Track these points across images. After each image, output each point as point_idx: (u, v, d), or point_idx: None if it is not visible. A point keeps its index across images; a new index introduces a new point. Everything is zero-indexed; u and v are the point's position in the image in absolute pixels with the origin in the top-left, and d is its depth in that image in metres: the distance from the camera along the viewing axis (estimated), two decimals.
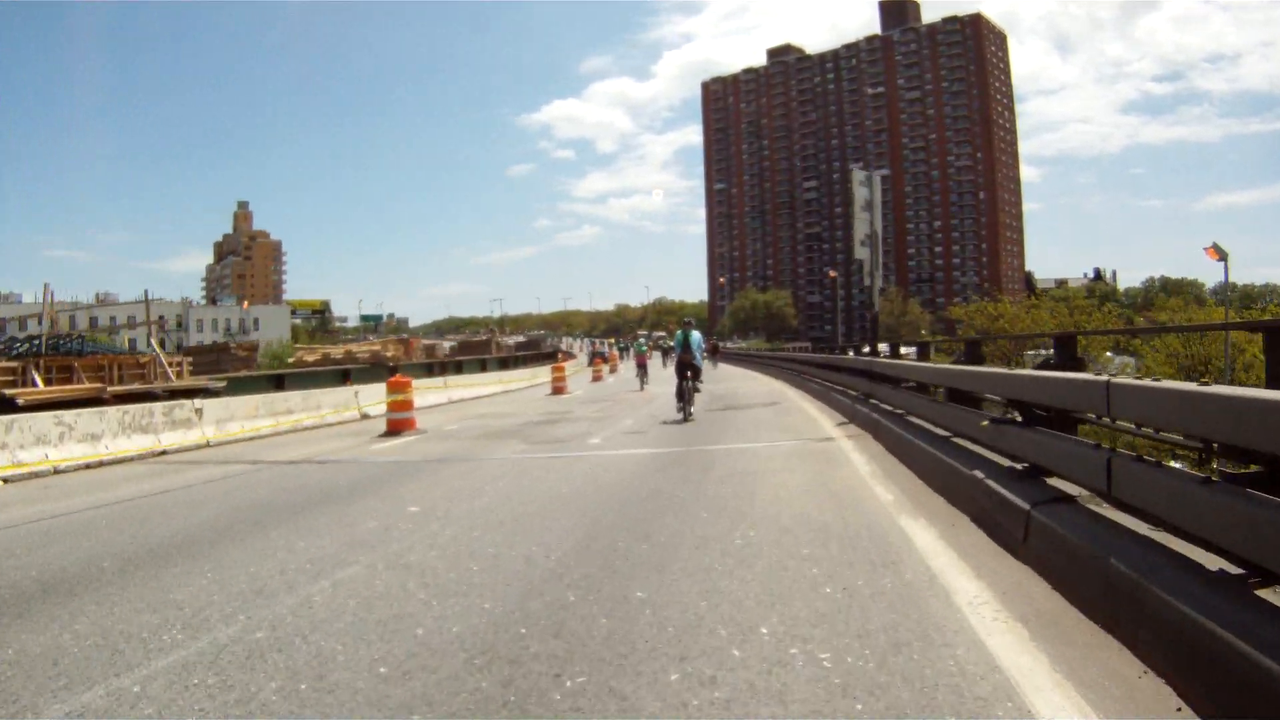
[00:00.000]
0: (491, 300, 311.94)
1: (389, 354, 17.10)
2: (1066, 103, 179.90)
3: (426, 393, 17.84)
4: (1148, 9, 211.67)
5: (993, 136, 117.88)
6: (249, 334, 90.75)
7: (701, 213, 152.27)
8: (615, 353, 56.59)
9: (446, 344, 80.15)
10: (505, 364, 33.18)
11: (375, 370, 25.18)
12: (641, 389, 22.10)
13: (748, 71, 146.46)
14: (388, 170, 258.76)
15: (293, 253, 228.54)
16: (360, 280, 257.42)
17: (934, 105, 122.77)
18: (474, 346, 49.73)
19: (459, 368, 27.87)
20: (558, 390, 23.12)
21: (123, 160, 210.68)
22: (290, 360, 26.22)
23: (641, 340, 48.86)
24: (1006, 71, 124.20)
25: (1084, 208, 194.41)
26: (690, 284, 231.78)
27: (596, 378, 31.23)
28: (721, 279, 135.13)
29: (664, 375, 26.61)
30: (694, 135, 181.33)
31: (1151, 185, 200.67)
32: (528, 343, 72.34)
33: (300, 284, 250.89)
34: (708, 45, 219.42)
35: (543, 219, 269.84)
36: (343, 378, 18.99)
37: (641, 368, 24.75)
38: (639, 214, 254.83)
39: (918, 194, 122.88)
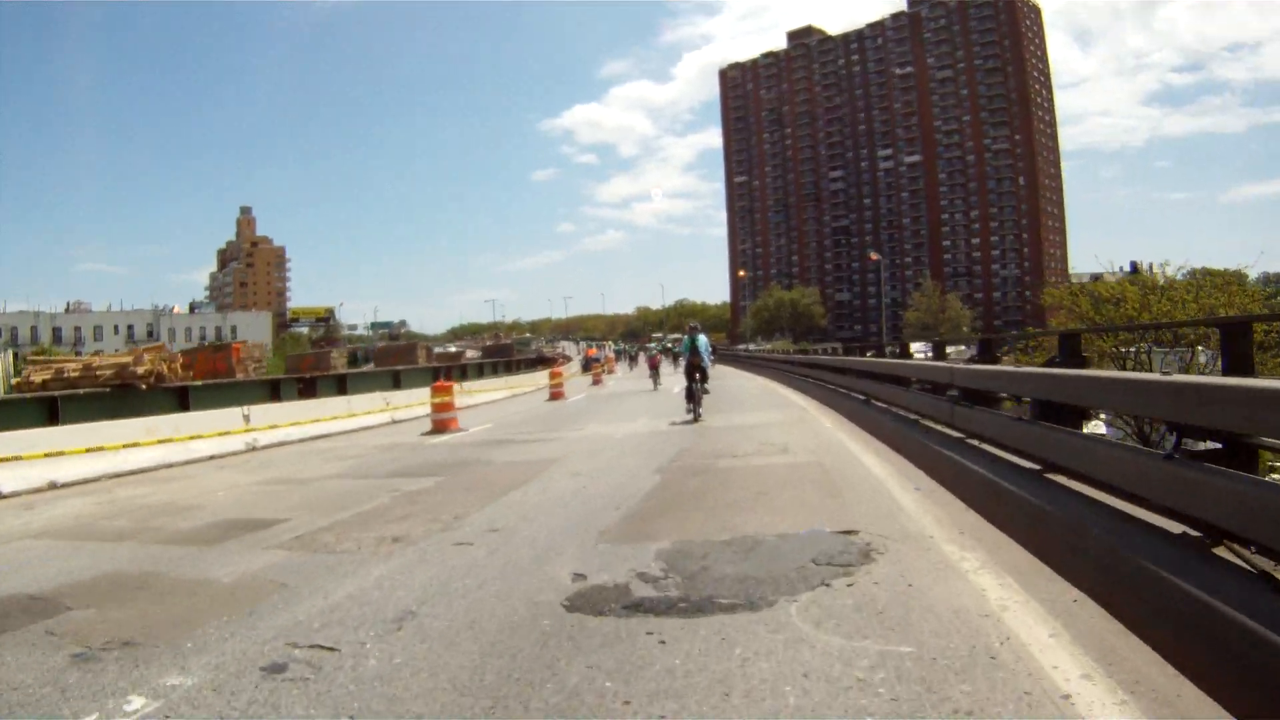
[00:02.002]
0: (496, 305, 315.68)
1: (142, 368, 12.76)
2: (1088, 96, 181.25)
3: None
4: None
5: (1031, 117, 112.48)
6: (225, 341, 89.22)
7: (725, 215, 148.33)
8: (611, 356, 57.39)
9: (452, 348, 76.93)
10: (439, 375, 24.59)
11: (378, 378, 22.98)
12: (655, 389, 24.80)
13: (767, 56, 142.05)
14: (407, 178, 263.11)
15: (309, 262, 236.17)
16: (380, 289, 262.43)
17: (967, 85, 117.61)
18: (396, 354, 40.77)
19: (341, 384, 20.19)
20: (555, 396, 23.67)
21: (152, 173, 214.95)
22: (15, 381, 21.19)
23: (652, 345, 51.31)
24: (1043, 47, 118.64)
25: (1108, 202, 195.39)
26: (715, 287, 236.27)
27: (596, 381, 31.16)
28: (742, 271, 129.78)
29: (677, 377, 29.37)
30: (715, 138, 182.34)
31: (1176, 178, 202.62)
32: (496, 348, 65.43)
33: (315, 293, 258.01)
34: (727, 45, 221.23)
35: (566, 224, 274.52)
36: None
37: (654, 369, 28.46)
38: (663, 217, 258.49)
39: (952, 181, 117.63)
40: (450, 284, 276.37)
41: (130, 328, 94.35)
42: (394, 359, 37.05)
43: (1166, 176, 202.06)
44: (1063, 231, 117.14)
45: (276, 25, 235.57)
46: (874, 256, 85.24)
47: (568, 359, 51.31)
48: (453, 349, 75.19)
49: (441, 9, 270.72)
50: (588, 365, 43.31)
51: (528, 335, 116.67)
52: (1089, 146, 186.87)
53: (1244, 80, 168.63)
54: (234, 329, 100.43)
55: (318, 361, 34.17)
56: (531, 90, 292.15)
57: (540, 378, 31.40)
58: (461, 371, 31.09)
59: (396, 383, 22.74)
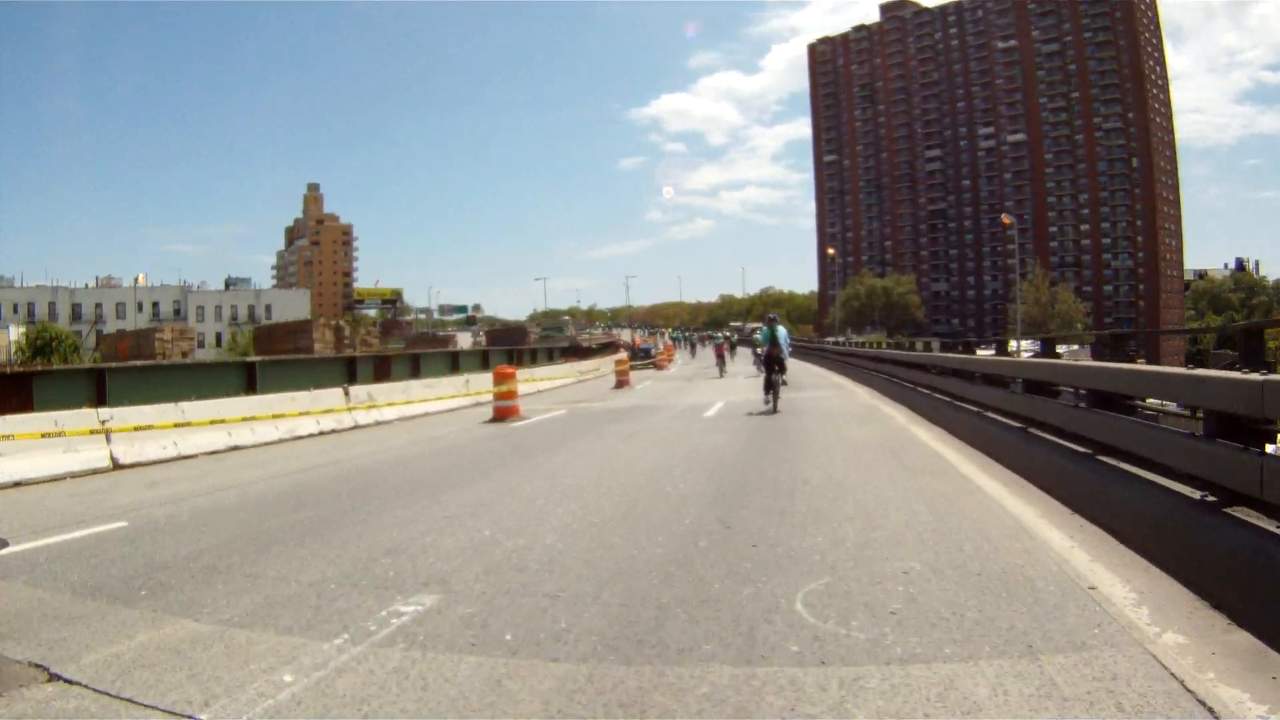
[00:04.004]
0: (580, 291, 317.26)
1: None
2: (1180, 93, 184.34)
3: None
4: None
5: (1145, 94, 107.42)
6: (258, 321, 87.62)
7: (814, 206, 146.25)
8: (671, 344, 58.01)
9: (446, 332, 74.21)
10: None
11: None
12: (721, 375, 29.40)
13: (859, 29, 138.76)
14: (490, 164, 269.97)
15: (389, 246, 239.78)
16: (460, 275, 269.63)
17: (1075, 59, 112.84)
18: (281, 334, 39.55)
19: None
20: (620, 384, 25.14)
21: (236, 151, 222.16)
22: None
23: (719, 335, 50.92)
24: (1155, 18, 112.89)
25: (1200, 200, 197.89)
26: (802, 277, 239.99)
27: (621, 382, 25.94)
28: (831, 250, 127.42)
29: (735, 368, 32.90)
30: (803, 128, 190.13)
31: (1269, 176, 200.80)
32: (503, 333, 60.23)
33: (391, 277, 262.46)
34: (816, 37, 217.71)
35: (654, 212, 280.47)
36: None
37: (720, 358, 32.06)
38: (751, 206, 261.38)
39: (1060, 163, 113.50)
40: (533, 270, 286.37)
41: (155, 305, 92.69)
42: (279, 342, 36.39)
43: (1258, 175, 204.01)
44: (1178, 220, 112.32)
45: (359, 7, 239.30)
46: (1007, 220, 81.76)
47: (617, 348, 46.24)
48: (443, 334, 71.26)
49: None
50: (636, 357, 41.30)
51: (564, 319, 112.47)
52: (1180, 143, 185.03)
53: None
54: (269, 307, 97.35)
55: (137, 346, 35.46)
56: (620, 79, 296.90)
57: (557, 371, 29.55)
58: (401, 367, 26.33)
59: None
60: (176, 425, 11.39)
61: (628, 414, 15.86)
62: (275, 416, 13.21)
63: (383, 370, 20.62)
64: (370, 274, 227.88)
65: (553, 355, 40.68)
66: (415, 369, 22.65)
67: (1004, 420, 9.35)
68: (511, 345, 42.21)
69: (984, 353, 13.20)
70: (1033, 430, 8.20)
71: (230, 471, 9.93)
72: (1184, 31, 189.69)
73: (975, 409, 10.64)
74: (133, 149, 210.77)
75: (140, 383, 13.68)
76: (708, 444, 10.98)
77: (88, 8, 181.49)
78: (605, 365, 34.61)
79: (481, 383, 19.08)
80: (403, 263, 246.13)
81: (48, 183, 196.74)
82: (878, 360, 22.38)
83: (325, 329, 36.52)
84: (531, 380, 23.51)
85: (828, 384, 24.10)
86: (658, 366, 38.92)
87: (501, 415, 15.31)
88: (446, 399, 18.23)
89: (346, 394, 15.14)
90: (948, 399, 12.70)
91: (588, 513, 6.63)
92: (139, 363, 21.09)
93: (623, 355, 33.02)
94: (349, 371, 19.09)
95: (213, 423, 12.02)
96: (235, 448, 11.95)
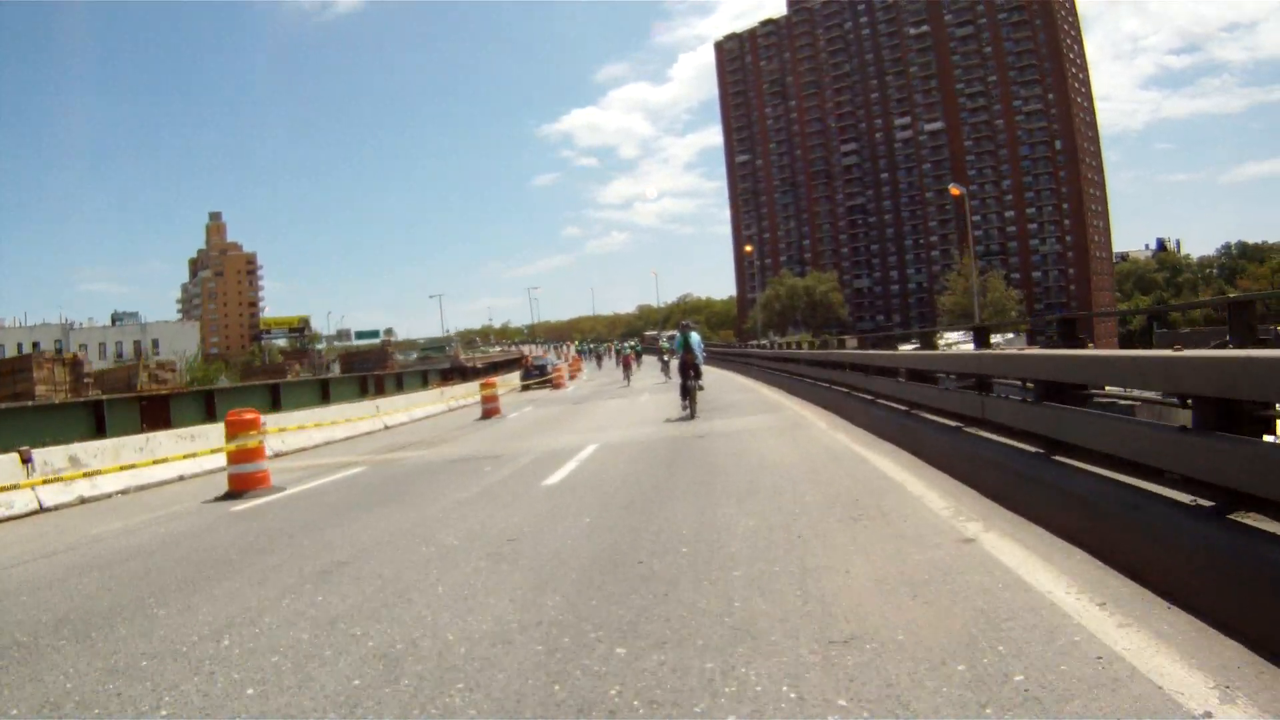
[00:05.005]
0: (496, 311, 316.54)
1: None
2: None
3: None
4: None
5: (1065, 73, 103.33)
6: (146, 357, 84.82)
7: (729, 213, 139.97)
8: (578, 357, 59.17)
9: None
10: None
11: None
12: (627, 383, 29.81)
13: (766, 24, 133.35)
14: (403, 187, 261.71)
15: (300, 276, 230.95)
16: (376, 299, 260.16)
17: (990, 41, 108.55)
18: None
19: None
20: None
21: (150, 185, 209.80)
22: None
23: (626, 345, 51.52)
24: None
25: (1114, 185, 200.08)
26: (722, 284, 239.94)
27: (489, 411, 21.18)
28: (749, 247, 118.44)
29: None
30: (715, 136, 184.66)
31: (1177, 160, 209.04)
32: (358, 356, 58.71)
33: (304, 306, 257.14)
34: (722, 35, 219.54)
35: (571, 227, 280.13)
36: None
37: (626, 367, 32.29)
38: (666, 217, 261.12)
39: (980, 149, 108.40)
40: (451, 293, 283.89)
41: (36, 344, 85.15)
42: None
43: (1169, 159, 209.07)
44: (1104, 201, 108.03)
45: (265, 30, 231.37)
46: (955, 191, 74.80)
47: (519, 366, 45.43)
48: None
49: (431, 16, 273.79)
50: (529, 375, 37.89)
51: (451, 339, 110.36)
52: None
53: (1242, 60, 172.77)
54: (155, 342, 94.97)
55: None
56: (528, 96, 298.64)
57: (421, 399, 25.83)
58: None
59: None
60: None
61: (440, 475, 10.14)
62: None
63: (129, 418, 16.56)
64: (281, 304, 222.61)
65: (427, 379, 36.62)
66: (165, 418, 17.16)
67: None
68: (368, 371, 38.15)
69: (906, 348, 13.42)
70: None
71: None
72: (1088, 20, 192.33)
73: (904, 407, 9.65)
74: (55, 187, 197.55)
75: None
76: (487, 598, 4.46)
77: None
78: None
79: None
80: (317, 291, 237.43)
81: None
82: (820, 365, 16.92)
83: (52, 366, 30.10)
84: (345, 422, 18.60)
85: (757, 402, 17.71)
86: (554, 385, 34.48)
87: (240, 487, 10.05)
88: (203, 456, 12.55)
89: (25, 462, 10.35)
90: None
91: None
92: None
93: (491, 379, 26.50)
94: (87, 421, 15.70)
95: None
96: None
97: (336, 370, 62.30)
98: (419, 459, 12.30)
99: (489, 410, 20.90)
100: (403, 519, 7.04)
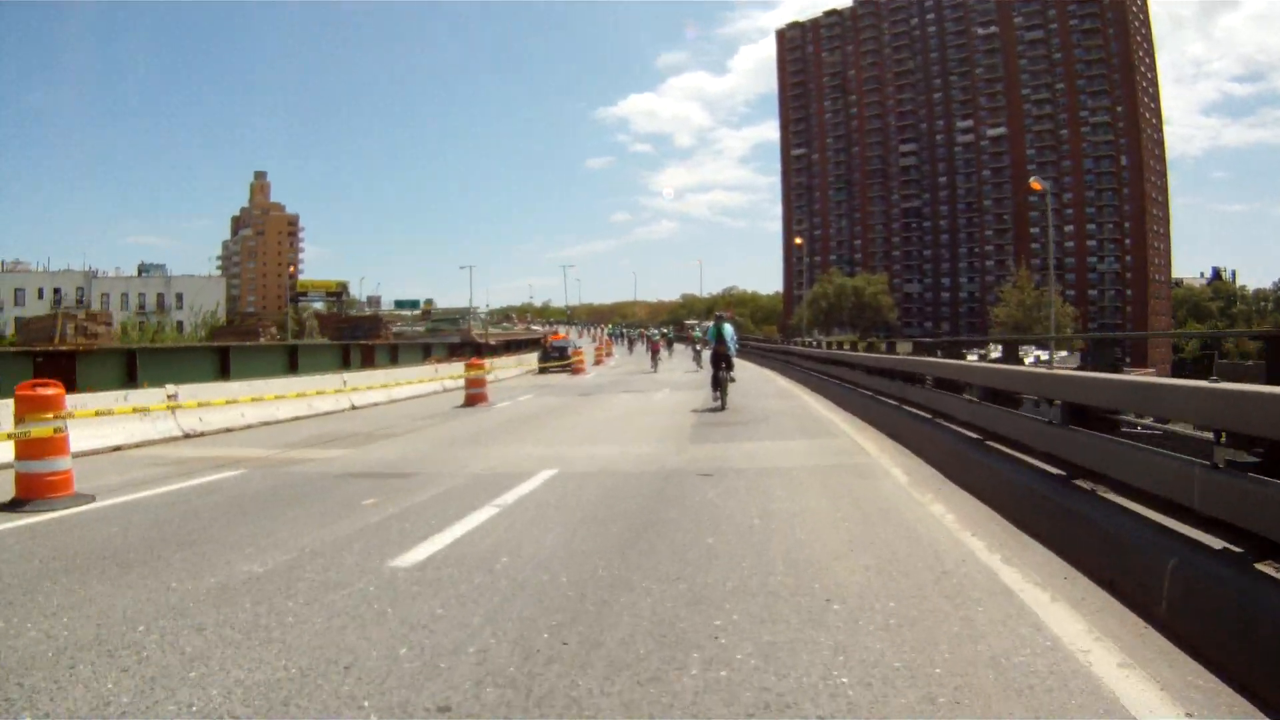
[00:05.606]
0: (539, 289, 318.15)
1: None
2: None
3: None
4: (1227, 8, 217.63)
5: (1135, 86, 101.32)
6: (169, 311, 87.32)
7: (780, 209, 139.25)
8: (609, 340, 61.22)
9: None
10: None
11: None
12: (654, 370, 31.40)
13: (830, 14, 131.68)
14: (458, 162, 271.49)
15: (346, 243, 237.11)
16: (419, 270, 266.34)
17: (1060, 48, 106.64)
18: None
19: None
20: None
21: (201, 145, 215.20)
22: None
23: (656, 332, 52.33)
24: (1145, 5, 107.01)
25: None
26: (769, 279, 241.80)
27: (474, 398, 18.38)
28: (799, 239, 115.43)
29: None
30: (771, 131, 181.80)
31: (1234, 190, 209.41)
32: (349, 323, 57.44)
33: (345, 271, 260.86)
34: (785, 22, 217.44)
35: (621, 212, 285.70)
36: None
37: (654, 354, 35.47)
38: (717, 209, 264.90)
39: (1042, 159, 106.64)
40: (493, 268, 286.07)
41: (57, 291, 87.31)
42: None
43: (1225, 187, 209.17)
44: (1166, 223, 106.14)
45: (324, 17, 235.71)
46: (1037, 185, 73.78)
47: (539, 346, 40.76)
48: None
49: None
50: (548, 357, 34.00)
51: (473, 311, 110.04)
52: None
53: None
54: (179, 295, 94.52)
55: None
56: (587, 78, 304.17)
57: (404, 375, 21.83)
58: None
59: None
60: None
61: (309, 503, 6.94)
62: None
63: None
64: (320, 269, 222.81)
65: (430, 353, 33.97)
66: (70, 381, 14.59)
67: None
68: (354, 340, 35.88)
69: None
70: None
71: None
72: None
73: None
74: (106, 143, 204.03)
75: None
76: None
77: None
78: (507, 368, 29.83)
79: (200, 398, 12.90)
80: (356, 260, 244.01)
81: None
82: (886, 374, 12.93)
83: None
84: (296, 397, 15.33)
85: (798, 415, 14.55)
86: (573, 370, 31.46)
87: (28, 494, 6.96)
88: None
89: None
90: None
91: None
92: None
93: (479, 360, 22.71)
94: None
95: None
96: None
97: (318, 337, 59.81)
98: (325, 465, 9.35)
99: (473, 397, 17.79)
100: (110, 611, 3.98)
